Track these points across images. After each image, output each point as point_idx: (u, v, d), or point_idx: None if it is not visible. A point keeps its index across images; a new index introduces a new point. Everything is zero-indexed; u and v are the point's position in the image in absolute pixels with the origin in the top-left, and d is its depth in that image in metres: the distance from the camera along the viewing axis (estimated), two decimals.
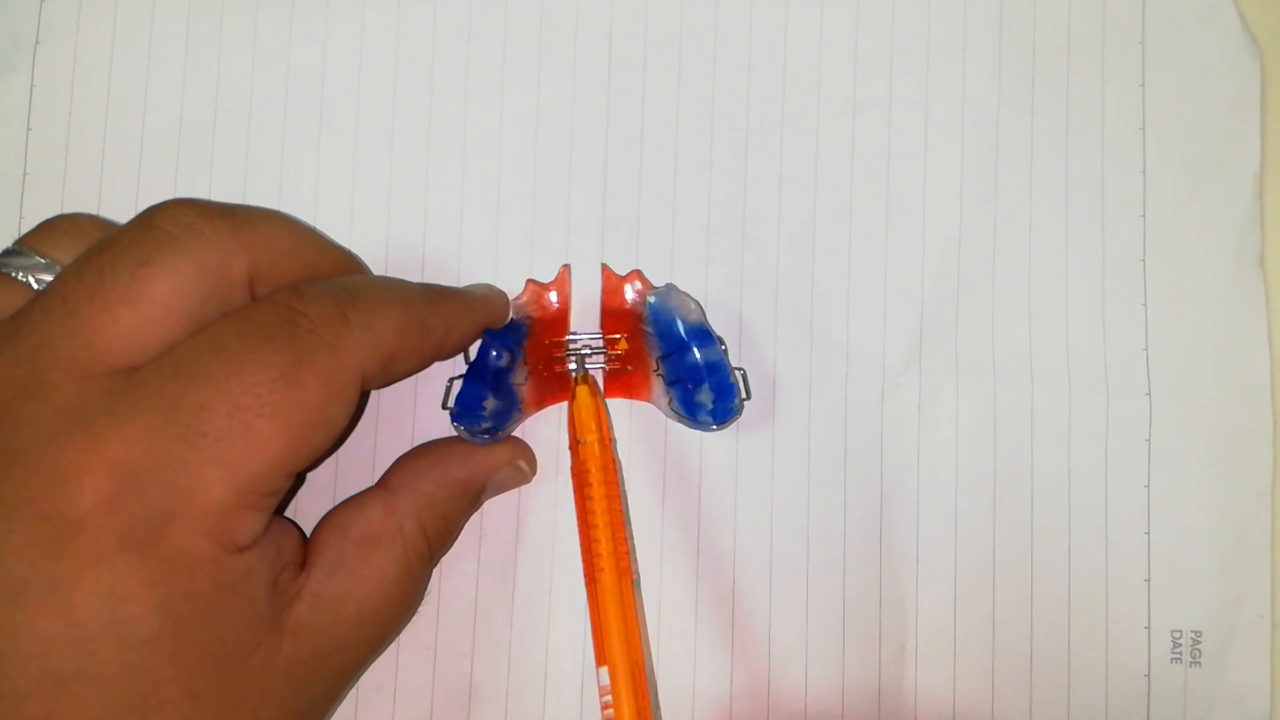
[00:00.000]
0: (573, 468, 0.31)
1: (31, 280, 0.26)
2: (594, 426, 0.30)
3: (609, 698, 0.27)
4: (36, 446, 0.23)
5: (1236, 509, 0.33)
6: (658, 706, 0.32)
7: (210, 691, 0.23)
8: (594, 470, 0.30)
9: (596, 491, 0.29)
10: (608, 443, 0.30)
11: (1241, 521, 0.33)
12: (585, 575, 0.29)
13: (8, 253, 0.27)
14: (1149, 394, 0.33)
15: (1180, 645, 0.32)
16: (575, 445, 0.30)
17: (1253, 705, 0.32)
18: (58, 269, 0.26)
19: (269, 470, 0.24)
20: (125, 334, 0.24)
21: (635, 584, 0.31)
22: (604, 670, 0.28)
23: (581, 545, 0.29)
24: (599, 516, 0.29)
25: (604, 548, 0.29)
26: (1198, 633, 0.32)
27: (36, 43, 0.34)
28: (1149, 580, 0.32)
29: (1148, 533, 0.33)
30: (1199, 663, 0.32)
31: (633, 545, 0.32)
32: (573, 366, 0.32)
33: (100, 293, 0.24)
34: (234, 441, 0.23)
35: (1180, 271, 0.34)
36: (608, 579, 0.28)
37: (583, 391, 0.31)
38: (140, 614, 0.22)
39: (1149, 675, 0.32)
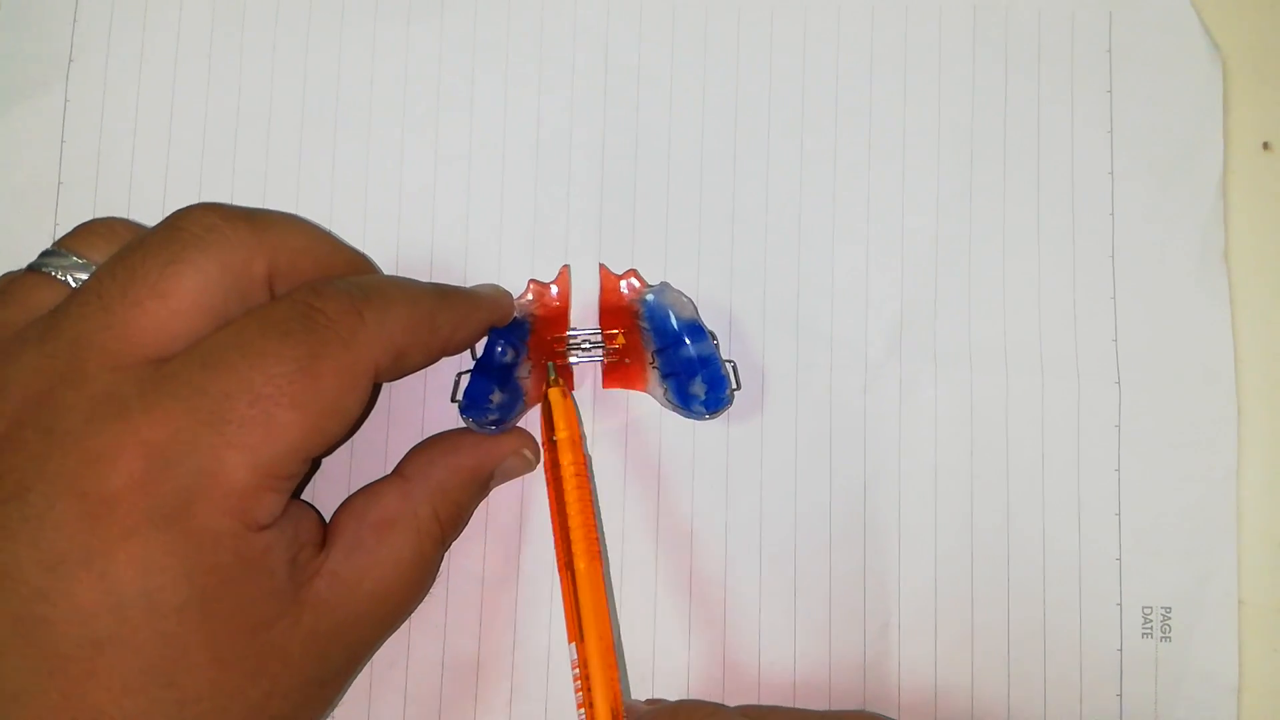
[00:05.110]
0: (545, 463, 0.31)
1: (69, 279, 0.27)
2: (564, 425, 0.31)
3: (578, 670, 0.28)
4: (75, 430, 0.24)
5: (1203, 491, 0.33)
6: (626, 679, 0.33)
7: (234, 658, 0.24)
8: (565, 464, 0.30)
9: (569, 484, 0.30)
10: (578, 439, 0.31)
11: (1208, 502, 0.33)
12: (558, 560, 0.30)
13: (47, 254, 0.28)
14: (1118, 382, 0.34)
15: (1151, 621, 0.33)
16: (548, 442, 0.31)
17: (1221, 678, 0.33)
18: (93, 268, 0.27)
19: (287, 455, 0.25)
20: (155, 326, 0.25)
21: (605, 568, 0.32)
22: (574, 646, 0.29)
23: (555, 532, 0.30)
24: (571, 506, 0.30)
25: (577, 534, 0.29)
26: (1167, 609, 0.33)
27: (70, 61, 0.35)
28: (1120, 559, 0.33)
29: (1118, 514, 0.33)
30: (1169, 638, 0.33)
31: (602, 531, 0.33)
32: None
33: (131, 289, 0.25)
34: (255, 428, 0.24)
35: (1147, 267, 0.34)
36: (582, 564, 0.29)
37: (554, 394, 0.31)
38: (169, 584, 0.23)
39: (1121, 650, 0.33)
